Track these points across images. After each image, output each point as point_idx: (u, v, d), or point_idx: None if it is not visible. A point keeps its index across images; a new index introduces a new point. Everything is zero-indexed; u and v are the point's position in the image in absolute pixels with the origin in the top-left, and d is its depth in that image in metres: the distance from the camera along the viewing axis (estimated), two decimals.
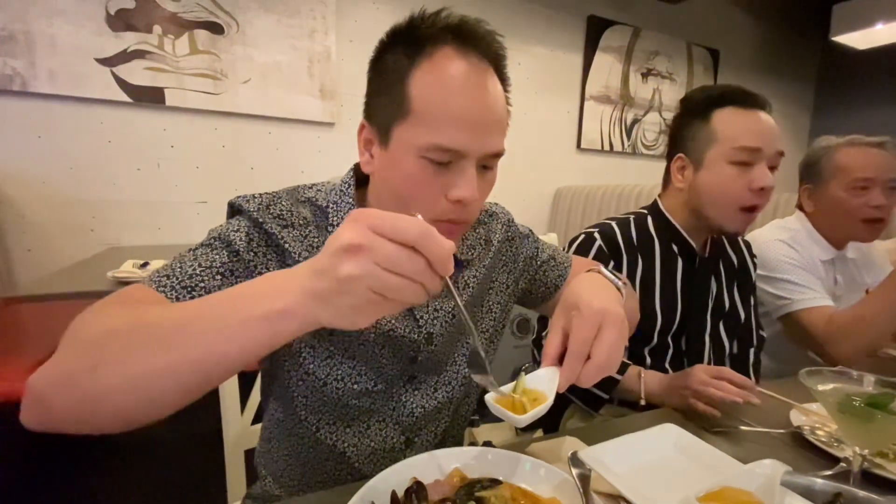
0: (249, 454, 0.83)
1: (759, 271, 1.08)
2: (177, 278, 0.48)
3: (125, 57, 1.84)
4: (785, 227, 1.16)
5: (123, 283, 1.30)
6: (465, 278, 0.65)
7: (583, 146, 3.04)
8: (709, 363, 0.91)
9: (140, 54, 1.86)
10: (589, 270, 0.59)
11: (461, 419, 0.72)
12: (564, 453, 0.50)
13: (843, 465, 0.56)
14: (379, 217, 0.33)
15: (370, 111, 0.56)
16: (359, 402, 0.60)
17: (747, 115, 0.83)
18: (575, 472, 0.46)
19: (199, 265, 0.50)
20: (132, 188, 1.94)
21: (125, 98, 1.86)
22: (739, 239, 1.02)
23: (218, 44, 2.00)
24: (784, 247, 1.10)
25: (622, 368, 0.83)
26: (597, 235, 0.90)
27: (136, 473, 1.22)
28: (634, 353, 0.89)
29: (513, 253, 0.72)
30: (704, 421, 0.68)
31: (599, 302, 0.47)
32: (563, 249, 0.85)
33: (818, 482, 0.41)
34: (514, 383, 0.49)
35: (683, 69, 3.36)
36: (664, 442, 0.46)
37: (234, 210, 0.57)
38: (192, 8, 1.94)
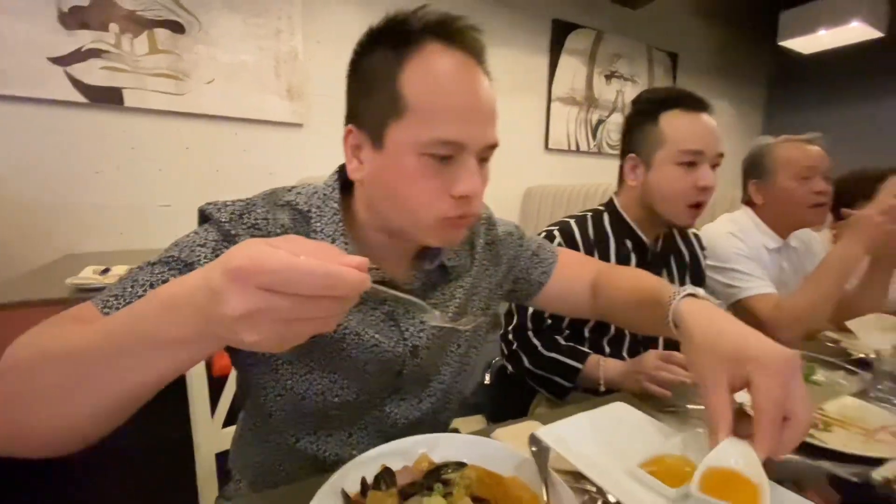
0: (220, 457, 0.83)
1: (711, 262, 1.15)
2: (125, 300, 0.45)
3: (80, 56, 1.77)
4: (733, 220, 1.25)
5: (83, 290, 1.26)
6: (452, 289, 0.64)
7: (550, 146, 3.12)
8: (665, 348, 0.97)
9: (96, 53, 1.80)
10: (688, 295, 0.52)
11: (441, 427, 0.71)
12: (528, 437, 0.53)
13: None
14: (269, 272, 0.29)
15: (356, 114, 0.54)
16: (340, 412, 0.59)
17: (691, 119, 0.89)
18: (534, 450, 0.49)
19: (152, 287, 0.46)
20: (91, 192, 1.87)
21: (81, 98, 1.79)
22: (690, 233, 1.09)
23: (179, 43, 1.95)
24: (733, 239, 1.18)
25: (582, 357, 0.88)
26: (556, 233, 0.95)
27: (104, 483, 1.19)
28: (594, 342, 0.94)
29: (494, 256, 0.71)
30: (658, 402, 0.73)
31: (776, 346, 0.41)
32: None
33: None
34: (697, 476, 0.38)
35: (644, 72, 3.49)
36: (614, 418, 0.50)
37: (205, 217, 0.53)
38: (151, 6, 1.88)
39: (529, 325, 0.95)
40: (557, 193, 2.79)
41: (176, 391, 0.82)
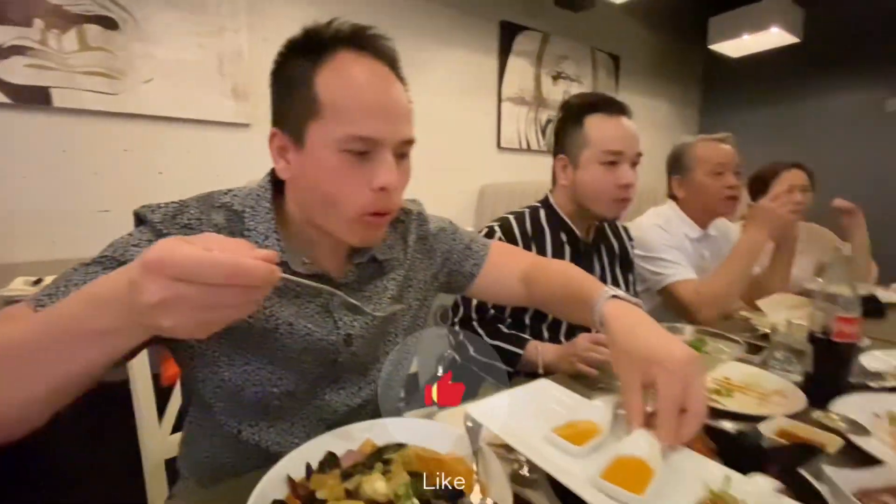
0: (169, 463, 0.82)
1: (640, 252, 1.26)
2: (58, 298, 0.46)
3: (1, 53, 1.66)
4: (659, 213, 1.37)
5: (13, 301, 1.20)
6: (385, 282, 0.67)
7: (503, 145, 3.21)
8: (597, 332, 1.05)
9: (19, 50, 1.69)
10: (613, 297, 0.57)
11: (386, 413, 0.74)
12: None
13: None
14: (179, 265, 0.32)
15: (279, 118, 0.58)
16: (281, 402, 0.60)
17: (612, 122, 0.98)
18: (468, 426, 0.54)
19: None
20: (19, 198, 1.75)
21: (4, 99, 1.67)
22: (620, 227, 1.19)
23: (113, 40, 1.86)
24: (659, 230, 1.29)
25: (522, 343, 0.94)
26: (496, 228, 1.01)
27: (54, 489, 1.14)
28: (534, 328, 1.01)
29: (427, 250, 0.75)
30: (589, 380, 0.80)
31: (679, 350, 0.46)
32: None
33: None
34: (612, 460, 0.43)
35: (589, 73, 3.65)
36: (536, 393, 0.56)
37: (140, 220, 0.55)
38: (79, 0, 1.79)
39: (474, 315, 1.01)
40: (511, 191, 2.88)
41: (123, 398, 0.82)
